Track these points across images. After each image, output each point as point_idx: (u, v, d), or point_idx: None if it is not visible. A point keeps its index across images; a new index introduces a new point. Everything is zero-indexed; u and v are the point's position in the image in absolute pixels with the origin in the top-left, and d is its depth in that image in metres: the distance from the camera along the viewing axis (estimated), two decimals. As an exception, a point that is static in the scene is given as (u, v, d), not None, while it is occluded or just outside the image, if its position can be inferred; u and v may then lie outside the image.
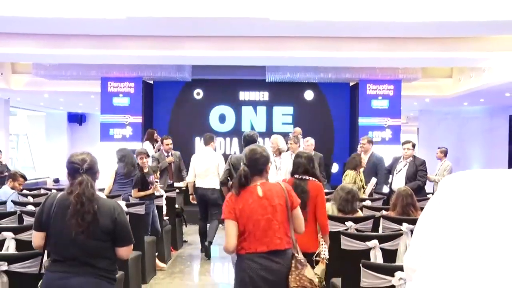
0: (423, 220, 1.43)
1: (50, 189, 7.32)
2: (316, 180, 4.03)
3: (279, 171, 6.41)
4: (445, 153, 9.51)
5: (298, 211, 2.99)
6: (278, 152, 6.30)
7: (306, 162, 4.02)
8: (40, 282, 2.64)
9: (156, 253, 5.97)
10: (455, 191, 1.34)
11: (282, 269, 2.82)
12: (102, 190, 6.57)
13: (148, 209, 5.80)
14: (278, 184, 3.06)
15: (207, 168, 6.75)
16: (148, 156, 6.46)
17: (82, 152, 2.64)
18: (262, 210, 2.85)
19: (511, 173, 1.30)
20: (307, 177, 3.99)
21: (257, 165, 2.99)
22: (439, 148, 9.68)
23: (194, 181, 6.87)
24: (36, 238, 2.56)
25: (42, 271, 2.70)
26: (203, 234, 6.84)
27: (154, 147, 8.61)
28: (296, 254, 2.90)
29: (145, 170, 6.09)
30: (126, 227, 2.61)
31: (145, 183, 6.06)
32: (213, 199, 6.70)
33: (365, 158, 6.97)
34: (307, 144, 7.44)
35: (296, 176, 4.00)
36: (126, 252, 2.63)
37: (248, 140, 5.67)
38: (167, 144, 7.45)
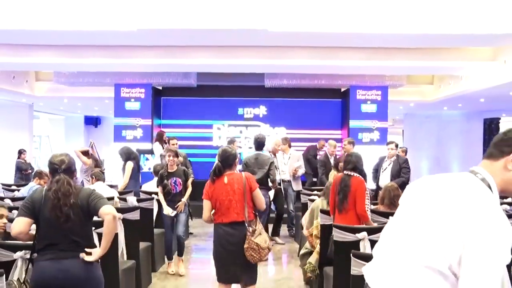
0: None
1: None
2: (359, 176, 4.32)
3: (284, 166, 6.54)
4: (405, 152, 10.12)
5: (256, 193, 3.61)
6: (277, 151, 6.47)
7: (356, 161, 4.33)
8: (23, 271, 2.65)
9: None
10: (403, 196, 1.69)
11: (239, 234, 3.52)
12: (114, 186, 6.54)
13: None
14: (240, 174, 3.67)
15: None
16: (177, 156, 5.58)
17: (61, 154, 2.74)
18: (225, 193, 3.55)
19: (440, 180, 1.57)
20: (353, 173, 4.29)
21: (228, 161, 3.63)
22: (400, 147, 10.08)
23: None
24: (21, 223, 2.54)
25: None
26: None
27: (163, 148, 8.60)
28: (249, 226, 3.52)
29: (170, 170, 5.40)
30: (96, 196, 2.63)
31: (165, 184, 5.33)
32: None
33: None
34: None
35: (345, 172, 4.30)
36: (107, 208, 2.57)
37: (259, 142, 6.34)
38: (173, 144, 7.43)
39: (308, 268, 4.43)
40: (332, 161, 7.68)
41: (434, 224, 1.46)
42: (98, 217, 2.63)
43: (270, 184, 6.28)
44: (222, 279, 3.67)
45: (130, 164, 6.74)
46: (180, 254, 5.53)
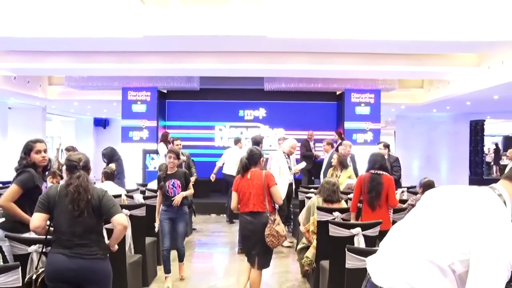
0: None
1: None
2: (387, 174, 4.48)
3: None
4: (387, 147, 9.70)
5: (273, 189, 3.91)
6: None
7: (381, 160, 4.46)
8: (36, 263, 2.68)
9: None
10: (422, 199, 1.75)
11: (256, 223, 3.87)
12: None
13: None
14: (261, 171, 3.99)
15: (236, 161, 7.09)
16: (178, 157, 4.86)
17: (78, 153, 2.83)
18: (247, 186, 3.93)
19: (460, 188, 1.63)
20: (381, 172, 4.40)
21: (254, 159, 4.01)
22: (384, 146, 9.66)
23: (221, 166, 8.41)
24: (38, 219, 2.58)
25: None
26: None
27: (167, 148, 8.59)
28: (271, 216, 3.85)
29: (169, 172, 4.72)
30: (111, 201, 2.68)
31: (161, 185, 4.70)
32: (231, 182, 6.72)
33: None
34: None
35: (372, 171, 4.39)
36: (120, 218, 2.63)
37: (255, 142, 6.28)
38: (177, 145, 7.43)
39: (305, 262, 4.43)
40: (348, 161, 7.11)
41: (445, 224, 1.52)
42: (109, 222, 2.66)
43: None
44: (248, 260, 4.08)
45: (112, 166, 6.48)
46: (181, 259, 4.90)
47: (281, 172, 6.29)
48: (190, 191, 4.81)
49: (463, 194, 1.59)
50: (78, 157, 2.70)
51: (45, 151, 3.40)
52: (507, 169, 8.05)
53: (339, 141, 8.86)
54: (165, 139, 8.77)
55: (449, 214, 1.54)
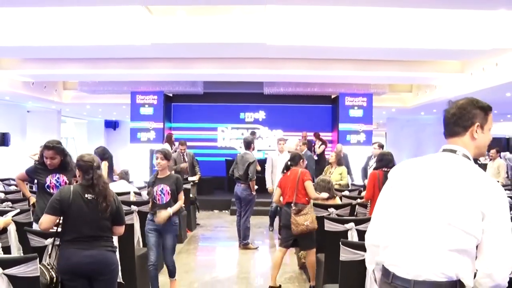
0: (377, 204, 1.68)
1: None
2: None
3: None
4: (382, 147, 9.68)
5: (306, 184, 4.16)
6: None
7: (392, 159, 4.42)
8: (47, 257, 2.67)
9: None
10: (390, 177, 1.67)
11: (290, 212, 4.11)
12: None
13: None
14: (298, 169, 4.27)
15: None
16: (167, 158, 3.84)
17: (89, 154, 2.74)
18: (287, 182, 4.26)
19: (425, 158, 1.63)
20: None
21: (294, 160, 4.38)
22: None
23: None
24: (48, 221, 2.53)
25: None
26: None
27: (171, 149, 8.55)
28: (296, 207, 4.06)
29: (160, 176, 3.83)
30: (122, 211, 2.70)
31: (148, 192, 3.91)
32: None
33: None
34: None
35: (385, 169, 4.29)
36: (120, 230, 2.71)
37: (246, 142, 6.05)
38: (181, 150, 7.42)
39: (302, 255, 4.42)
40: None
41: (453, 207, 1.45)
42: (112, 224, 2.65)
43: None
44: (282, 245, 4.28)
45: (105, 164, 6.42)
46: (172, 275, 3.93)
47: None
48: (179, 203, 3.80)
49: (442, 170, 1.53)
50: (91, 158, 2.63)
51: (52, 158, 3.40)
52: (487, 170, 8.06)
53: (317, 141, 9.15)
54: (169, 140, 8.73)
55: (447, 197, 1.47)
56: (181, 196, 3.86)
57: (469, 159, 1.55)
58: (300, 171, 4.23)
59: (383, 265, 1.58)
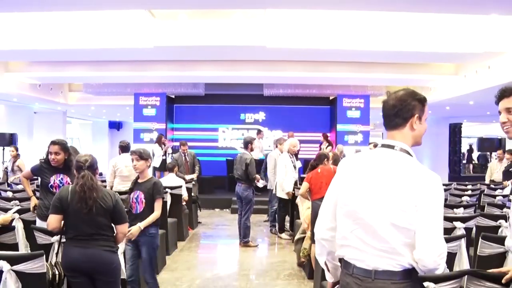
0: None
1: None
2: None
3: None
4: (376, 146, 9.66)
5: None
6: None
7: None
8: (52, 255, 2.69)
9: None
10: (338, 171, 1.69)
11: None
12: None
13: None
14: (331, 167, 4.46)
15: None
16: (144, 158, 3.30)
17: (85, 154, 2.75)
18: (318, 178, 4.36)
19: (366, 154, 1.68)
20: None
21: (320, 159, 4.63)
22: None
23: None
24: (54, 220, 2.56)
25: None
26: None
27: (162, 149, 8.81)
28: None
29: (140, 180, 3.32)
30: (123, 209, 2.68)
31: (126, 200, 3.23)
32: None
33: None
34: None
35: None
36: (123, 228, 2.68)
37: (246, 141, 5.96)
38: (184, 146, 7.42)
39: (302, 254, 4.42)
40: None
41: (392, 206, 1.49)
42: (113, 223, 2.65)
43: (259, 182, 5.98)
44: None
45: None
46: None
47: (287, 171, 6.15)
48: (153, 216, 3.21)
49: (384, 166, 1.55)
50: (85, 159, 2.66)
51: (56, 153, 3.42)
52: (487, 173, 8.09)
53: (324, 142, 9.24)
54: (159, 141, 8.87)
55: (386, 184, 1.50)
56: (158, 206, 3.23)
57: (408, 152, 1.57)
58: (333, 169, 4.28)
59: (343, 259, 1.62)
